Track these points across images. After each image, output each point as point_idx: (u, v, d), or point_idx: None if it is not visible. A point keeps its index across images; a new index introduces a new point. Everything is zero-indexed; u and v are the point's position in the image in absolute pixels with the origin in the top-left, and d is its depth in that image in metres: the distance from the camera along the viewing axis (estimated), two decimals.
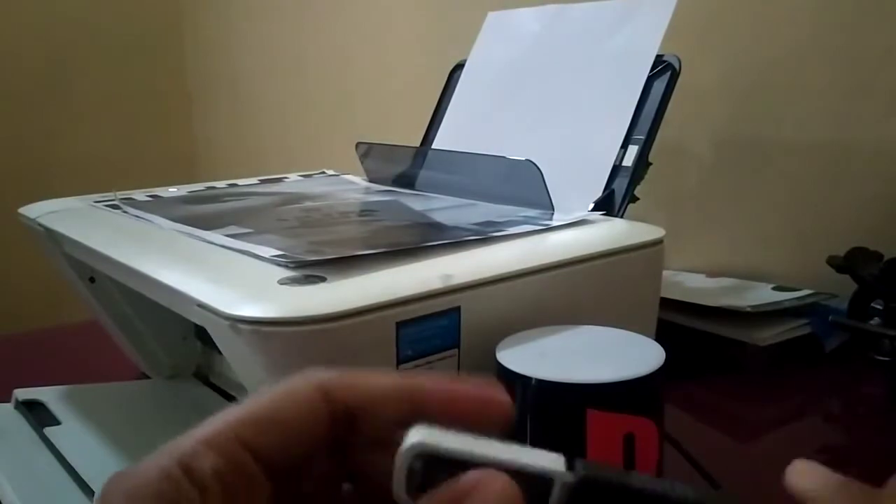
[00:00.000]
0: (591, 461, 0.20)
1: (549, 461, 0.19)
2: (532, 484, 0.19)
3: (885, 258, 0.61)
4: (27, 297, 1.43)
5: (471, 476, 0.19)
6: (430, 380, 0.21)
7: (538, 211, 0.49)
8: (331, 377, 0.21)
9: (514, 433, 0.20)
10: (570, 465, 0.19)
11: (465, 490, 0.19)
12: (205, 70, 1.60)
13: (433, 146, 0.66)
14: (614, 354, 0.36)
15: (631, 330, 0.38)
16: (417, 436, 0.19)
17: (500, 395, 0.21)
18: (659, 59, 0.54)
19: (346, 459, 0.22)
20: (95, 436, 0.49)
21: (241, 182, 0.66)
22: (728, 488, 0.41)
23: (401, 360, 0.35)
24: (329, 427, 0.21)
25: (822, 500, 0.25)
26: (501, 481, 0.18)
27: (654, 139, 0.53)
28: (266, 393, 0.21)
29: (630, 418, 0.33)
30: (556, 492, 0.19)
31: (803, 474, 0.26)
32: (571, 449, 0.32)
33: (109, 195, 0.57)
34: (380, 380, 0.21)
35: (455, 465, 0.19)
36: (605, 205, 0.51)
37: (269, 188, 0.63)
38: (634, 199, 0.53)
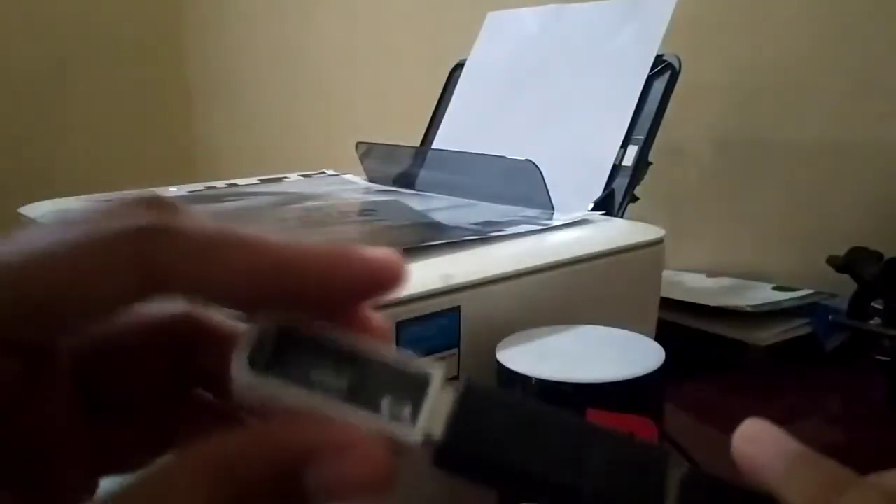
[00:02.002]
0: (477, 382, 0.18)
1: (426, 365, 0.17)
2: (406, 384, 0.17)
3: (886, 258, 0.61)
4: None
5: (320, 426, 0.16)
6: (306, 246, 0.17)
7: (538, 211, 0.49)
8: (163, 254, 0.16)
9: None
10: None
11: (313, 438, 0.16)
12: (205, 70, 1.60)
13: (433, 146, 0.66)
14: (614, 354, 0.36)
15: (631, 330, 0.38)
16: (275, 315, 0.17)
17: (389, 259, 0.17)
18: (659, 59, 0.54)
19: (191, 358, 0.19)
20: None
21: (241, 182, 0.66)
22: None
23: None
24: (162, 323, 0.17)
25: (779, 476, 0.19)
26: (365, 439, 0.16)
27: (653, 139, 0.53)
28: (62, 238, 0.15)
29: (630, 418, 0.33)
30: (431, 392, 0.17)
31: (754, 440, 0.20)
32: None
33: (110, 195, 0.57)
34: (233, 259, 0.16)
35: (316, 352, 0.17)
36: (605, 205, 0.51)
37: (269, 188, 0.63)
38: (634, 198, 0.53)
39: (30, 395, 0.16)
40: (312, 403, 0.17)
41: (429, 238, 0.42)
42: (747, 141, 0.76)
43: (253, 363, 0.17)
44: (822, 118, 0.71)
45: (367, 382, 0.17)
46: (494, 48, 0.67)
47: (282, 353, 0.17)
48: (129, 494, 0.15)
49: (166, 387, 0.19)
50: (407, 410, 0.17)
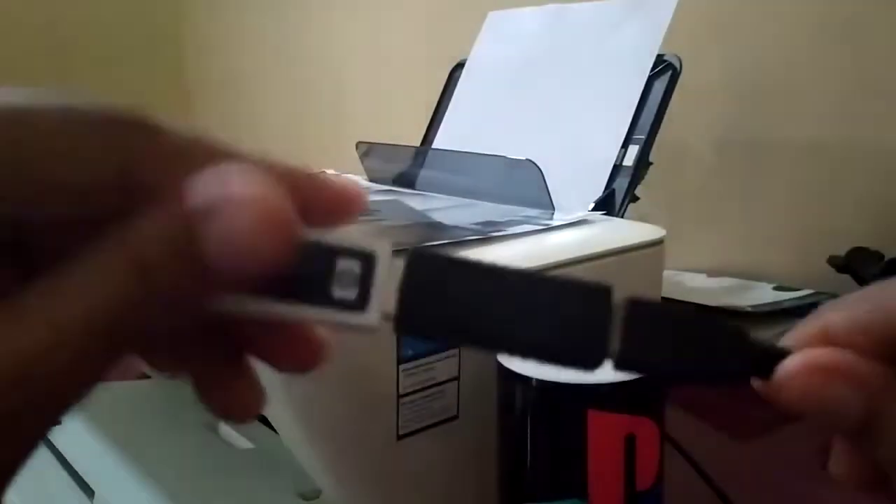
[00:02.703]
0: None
1: (372, 241, 0.17)
2: (353, 265, 0.17)
3: (886, 258, 0.61)
4: None
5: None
6: (282, 165, 0.17)
7: (538, 210, 0.49)
8: (149, 143, 0.16)
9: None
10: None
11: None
12: (204, 69, 1.60)
13: (433, 146, 0.66)
14: None
15: None
16: None
17: (351, 191, 0.18)
18: (660, 59, 0.54)
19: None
20: (95, 435, 0.49)
21: None
22: (728, 488, 0.41)
23: (401, 360, 0.35)
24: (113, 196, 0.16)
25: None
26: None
27: (654, 139, 0.53)
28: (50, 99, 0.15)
29: (630, 418, 0.33)
30: (379, 270, 0.17)
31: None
32: (572, 449, 0.32)
33: None
34: (210, 164, 0.16)
35: None
36: (606, 204, 0.51)
37: None
38: (635, 198, 0.53)
39: None
40: (262, 309, 0.16)
41: (429, 238, 0.41)
42: (747, 141, 0.76)
43: None
44: (822, 118, 0.71)
45: (315, 270, 0.17)
46: (495, 48, 0.67)
47: None
48: (50, 289, 0.15)
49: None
50: (353, 293, 0.17)
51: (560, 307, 0.17)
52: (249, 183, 0.16)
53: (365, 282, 0.17)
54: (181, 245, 0.15)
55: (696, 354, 0.18)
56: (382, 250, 0.17)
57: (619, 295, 0.18)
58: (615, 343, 0.18)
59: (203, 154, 0.16)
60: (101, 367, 0.15)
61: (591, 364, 0.18)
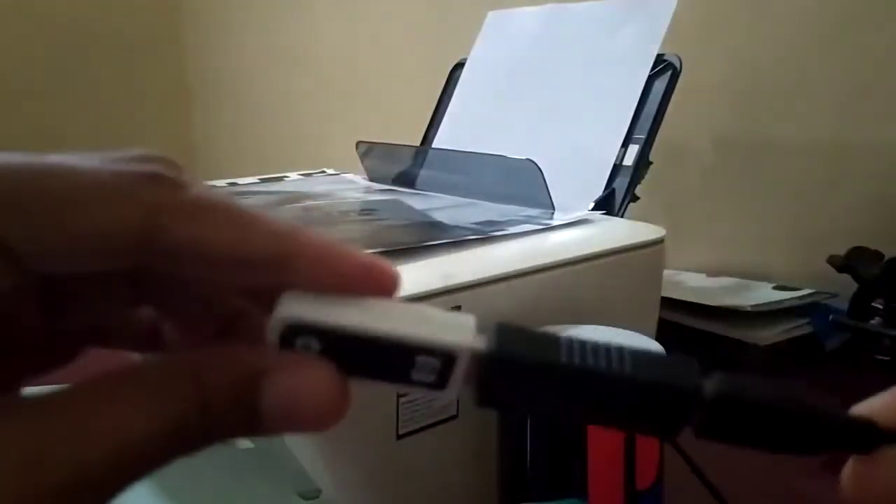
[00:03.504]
0: (511, 328, 0.17)
1: (453, 329, 0.17)
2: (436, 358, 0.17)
3: (886, 258, 0.61)
4: None
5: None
6: (304, 234, 0.17)
7: (539, 210, 0.49)
8: (174, 196, 0.16)
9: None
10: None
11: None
12: (204, 68, 1.60)
13: (433, 145, 0.66)
14: None
15: (631, 329, 0.38)
16: (290, 304, 0.17)
17: (386, 265, 0.18)
18: (660, 59, 0.54)
19: (150, 284, 0.19)
20: None
21: (241, 181, 0.65)
22: (727, 489, 0.40)
23: None
24: (135, 258, 0.16)
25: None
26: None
27: (654, 138, 0.53)
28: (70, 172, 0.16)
29: None
30: (459, 367, 0.17)
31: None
32: (572, 449, 0.32)
33: None
34: (232, 224, 0.16)
35: (335, 339, 0.17)
36: (606, 204, 0.51)
37: (269, 187, 0.63)
38: (635, 198, 0.53)
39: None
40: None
41: (429, 238, 0.41)
42: (747, 141, 0.76)
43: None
44: (822, 118, 0.71)
45: (394, 361, 0.17)
46: (495, 47, 0.67)
47: (305, 346, 0.17)
48: (96, 387, 0.15)
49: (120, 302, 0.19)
50: (432, 378, 0.17)
51: (647, 402, 0.17)
52: (313, 360, 0.16)
53: (444, 372, 0.17)
54: (242, 393, 0.16)
55: (780, 438, 0.18)
56: (463, 351, 0.17)
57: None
58: (698, 422, 0.18)
59: (223, 213, 0.17)
60: (130, 481, 0.15)
61: (669, 436, 0.18)
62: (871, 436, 0.18)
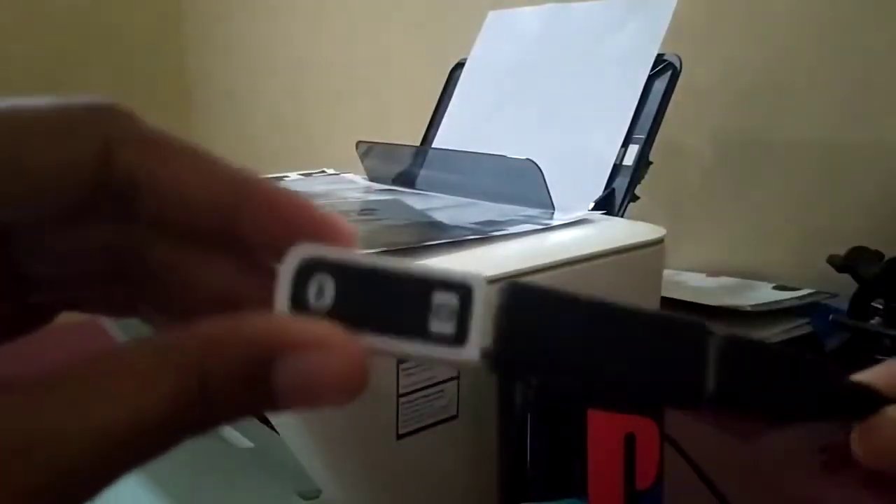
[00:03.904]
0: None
1: (467, 271, 0.17)
2: (449, 299, 0.16)
3: (886, 258, 0.61)
4: None
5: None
6: (261, 182, 0.17)
7: (538, 210, 0.49)
8: (128, 129, 0.16)
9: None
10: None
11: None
12: (204, 68, 1.60)
13: (433, 145, 0.66)
14: None
15: None
16: (303, 247, 0.16)
17: (341, 221, 0.17)
18: (660, 59, 0.54)
19: (119, 246, 0.18)
20: None
21: None
22: (728, 488, 0.41)
23: (401, 360, 0.35)
24: (93, 191, 0.16)
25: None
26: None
27: (654, 138, 0.53)
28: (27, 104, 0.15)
29: (630, 418, 0.33)
30: (476, 304, 0.16)
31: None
32: (572, 449, 0.32)
33: None
34: (188, 158, 0.16)
35: (351, 276, 0.16)
36: (606, 204, 0.51)
37: None
38: (635, 198, 0.53)
39: None
40: (370, 343, 0.16)
41: (429, 237, 0.41)
42: (747, 141, 0.76)
43: (296, 304, 0.16)
44: (822, 118, 0.71)
45: (410, 302, 0.16)
46: (495, 47, 0.67)
47: (319, 289, 0.16)
48: (102, 364, 0.15)
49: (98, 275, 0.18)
50: (451, 327, 0.16)
51: (657, 342, 0.17)
52: (334, 333, 0.15)
53: (463, 315, 0.16)
54: (253, 372, 0.15)
55: (790, 393, 0.18)
56: (478, 282, 0.17)
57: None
58: (711, 380, 0.17)
59: (178, 150, 0.16)
60: (128, 466, 0.15)
61: (690, 401, 0.18)
62: (872, 400, 0.19)
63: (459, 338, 0.16)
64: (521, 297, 0.17)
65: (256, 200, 0.17)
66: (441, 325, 0.16)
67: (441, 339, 0.16)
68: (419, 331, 0.16)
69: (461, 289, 0.16)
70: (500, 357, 0.17)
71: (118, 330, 0.58)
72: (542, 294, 0.17)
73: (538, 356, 0.17)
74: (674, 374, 0.17)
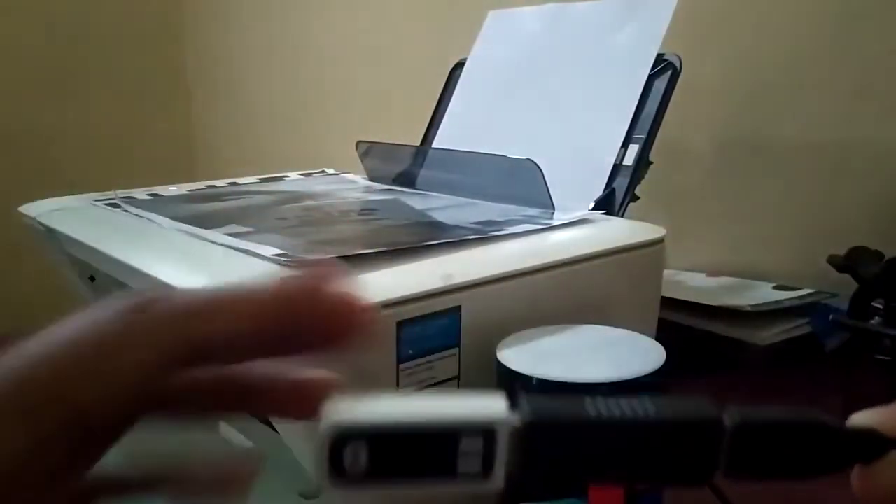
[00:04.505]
0: (538, 397, 0.18)
1: (487, 408, 0.18)
2: (478, 437, 0.17)
3: (886, 257, 0.61)
4: (27, 297, 1.43)
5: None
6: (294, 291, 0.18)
7: (539, 210, 0.49)
8: (161, 322, 0.17)
9: None
10: (514, 405, 0.18)
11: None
12: (205, 68, 1.60)
13: (433, 145, 0.66)
14: (615, 354, 0.36)
15: (631, 329, 0.38)
16: (333, 413, 0.17)
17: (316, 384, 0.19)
18: (660, 58, 0.54)
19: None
20: None
21: (241, 181, 0.66)
22: (728, 488, 0.41)
23: (401, 360, 0.35)
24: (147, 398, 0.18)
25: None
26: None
27: (654, 138, 0.53)
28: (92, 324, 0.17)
29: None
30: (500, 443, 0.17)
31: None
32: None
33: (110, 194, 0.57)
34: (231, 309, 0.18)
35: (383, 438, 0.17)
36: (606, 204, 0.51)
37: (269, 187, 0.63)
38: (635, 198, 0.53)
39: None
40: (408, 492, 0.17)
41: (429, 237, 0.41)
42: (747, 141, 0.76)
43: (334, 473, 0.17)
44: (822, 118, 0.71)
45: (439, 450, 0.17)
46: (495, 47, 0.67)
47: (354, 457, 0.17)
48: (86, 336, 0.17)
49: None
50: (478, 465, 0.17)
51: (671, 447, 0.18)
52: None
53: (487, 454, 0.17)
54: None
55: (802, 461, 0.19)
56: (502, 424, 0.17)
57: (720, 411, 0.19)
58: (722, 465, 0.19)
59: (218, 303, 0.18)
60: None
61: (702, 482, 0.19)
62: (875, 444, 0.19)
63: (485, 473, 0.18)
64: (543, 431, 0.18)
65: (304, 320, 0.18)
66: (468, 465, 0.17)
67: (468, 477, 0.18)
68: (449, 473, 0.17)
69: (487, 432, 0.17)
70: (524, 481, 0.18)
71: None
72: (562, 425, 0.18)
73: (560, 477, 0.18)
74: (687, 468, 0.19)
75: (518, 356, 0.35)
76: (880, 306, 0.60)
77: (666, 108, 0.54)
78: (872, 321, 0.60)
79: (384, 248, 0.38)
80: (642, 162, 0.53)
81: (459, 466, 0.17)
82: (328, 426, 0.17)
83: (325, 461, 0.17)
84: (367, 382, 0.34)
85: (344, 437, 0.17)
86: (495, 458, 0.17)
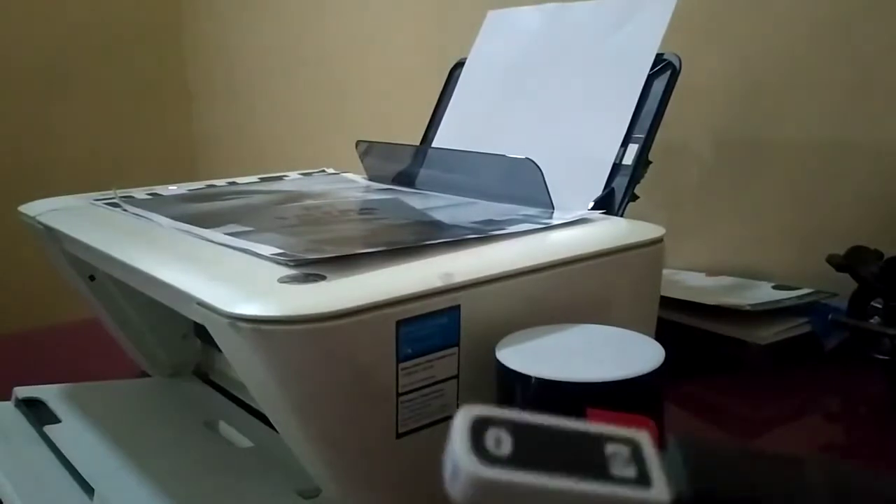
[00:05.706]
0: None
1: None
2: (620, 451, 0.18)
3: (885, 257, 0.61)
4: (27, 296, 1.43)
5: None
6: None
7: (538, 209, 0.49)
8: None
9: None
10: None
11: None
12: (205, 68, 1.60)
13: (433, 144, 0.66)
14: (614, 353, 0.36)
15: (631, 329, 0.38)
16: (474, 408, 0.18)
17: None
18: (659, 58, 0.54)
19: None
20: (95, 434, 0.49)
21: (240, 180, 0.66)
22: None
23: (401, 359, 0.35)
24: None
25: None
26: None
27: (654, 138, 0.53)
28: None
29: (630, 417, 0.33)
30: (648, 451, 0.18)
31: None
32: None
33: (109, 193, 0.57)
34: None
35: (531, 432, 0.17)
36: (605, 203, 0.51)
37: (268, 186, 0.63)
38: (634, 197, 0.53)
39: None
40: (558, 486, 0.17)
41: (428, 237, 0.41)
42: (747, 140, 0.77)
43: (477, 450, 0.17)
44: (822, 118, 0.71)
45: (589, 457, 0.18)
46: (495, 47, 0.67)
47: (497, 440, 0.17)
48: None
49: None
50: (632, 471, 0.18)
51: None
52: None
53: (639, 461, 0.18)
54: None
55: None
56: (644, 438, 0.18)
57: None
58: None
59: None
60: None
61: None
62: None
63: (643, 480, 0.17)
64: (702, 456, 0.18)
65: None
66: (621, 469, 0.17)
67: (625, 481, 0.17)
68: (602, 474, 0.17)
69: (630, 443, 0.18)
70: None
71: (119, 331, 0.58)
72: (721, 452, 0.19)
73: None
74: None
75: (517, 355, 0.35)
76: (879, 306, 0.60)
77: (665, 108, 0.54)
78: (872, 320, 0.61)
79: (384, 248, 0.38)
80: (642, 161, 0.53)
81: (612, 469, 0.17)
82: (467, 413, 0.17)
83: (467, 438, 0.17)
84: (367, 380, 0.34)
85: (485, 422, 0.17)
86: (649, 467, 0.18)
